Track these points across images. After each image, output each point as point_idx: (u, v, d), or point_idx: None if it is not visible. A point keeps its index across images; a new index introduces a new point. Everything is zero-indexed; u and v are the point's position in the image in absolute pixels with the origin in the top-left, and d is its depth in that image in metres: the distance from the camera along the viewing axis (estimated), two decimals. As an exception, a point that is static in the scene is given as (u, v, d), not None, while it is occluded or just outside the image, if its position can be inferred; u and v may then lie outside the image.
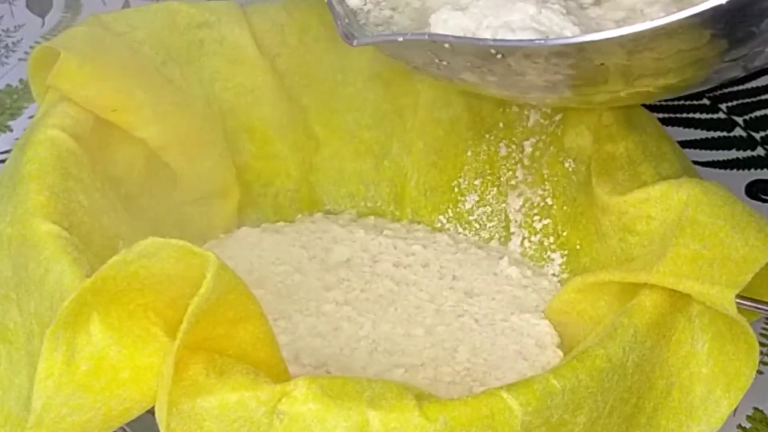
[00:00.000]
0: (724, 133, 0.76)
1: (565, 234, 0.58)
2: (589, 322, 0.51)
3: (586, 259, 0.56)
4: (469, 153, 0.61)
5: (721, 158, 0.74)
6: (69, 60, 0.51)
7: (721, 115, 0.77)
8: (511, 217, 0.60)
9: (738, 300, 0.43)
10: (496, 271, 0.58)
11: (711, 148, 0.74)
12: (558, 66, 0.45)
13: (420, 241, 0.60)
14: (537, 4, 0.47)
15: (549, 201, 0.58)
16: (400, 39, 0.48)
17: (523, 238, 0.60)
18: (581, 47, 0.43)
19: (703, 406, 0.45)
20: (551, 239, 0.59)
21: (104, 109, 0.53)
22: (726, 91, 0.79)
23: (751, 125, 0.76)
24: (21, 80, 0.80)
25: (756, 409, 0.57)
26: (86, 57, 0.52)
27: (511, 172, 0.60)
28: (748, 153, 0.74)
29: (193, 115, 0.57)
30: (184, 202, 0.60)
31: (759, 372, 0.55)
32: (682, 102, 0.78)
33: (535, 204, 0.59)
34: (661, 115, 0.71)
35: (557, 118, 0.58)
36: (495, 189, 0.61)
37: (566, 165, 0.57)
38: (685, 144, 0.71)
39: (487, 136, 0.60)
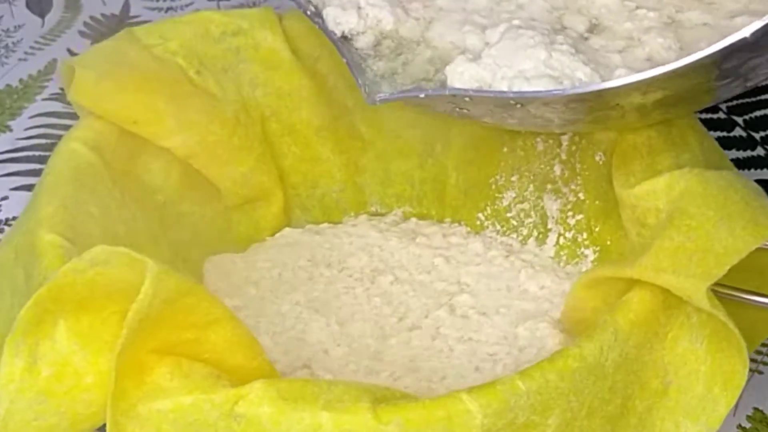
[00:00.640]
0: (724, 133, 0.74)
1: (597, 230, 0.56)
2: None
3: (615, 256, 0.54)
4: (504, 149, 0.60)
5: (721, 158, 0.71)
6: (85, 76, 0.53)
7: (721, 115, 0.76)
8: (548, 213, 0.58)
9: (717, 289, 0.41)
10: (513, 285, 0.56)
11: (711, 148, 0.72)
12: (575, 108, 0.46)
13: (447, 251, 0.59)
14: (547, 47, 0.47)
15: (581, 196, 0.57)
16: (422, 95, 0.49)
17: (559, 235, 0.58)
18: (599, 93, 0.44)
19: (701, 405, 0.43)
20: (584, 235, 0.57)
21: (126, 121, 0.54)
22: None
23: (751, 125, 0.75)
24: (21, 80, 0.82)
25: (756, 409, 0.55)
26: (103, 72, 0.54)
27: (548, 167, 0.58)
28: (748, 153, 0.72)
29: (223, 122, 0.58)
30: (229, 207, 0.62)
31: (759, 372, 0.55)
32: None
33: (570, 199, 0.57)
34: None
35: (591, 109, 0.56)
36: (532, 185, 0.59)
37: (597, 158, 0.55)
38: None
39: (523, 131, 0.59)
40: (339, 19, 0.54)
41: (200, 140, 0.57)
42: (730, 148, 0.72)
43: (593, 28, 0.50)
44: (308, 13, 0.55)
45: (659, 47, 0.48)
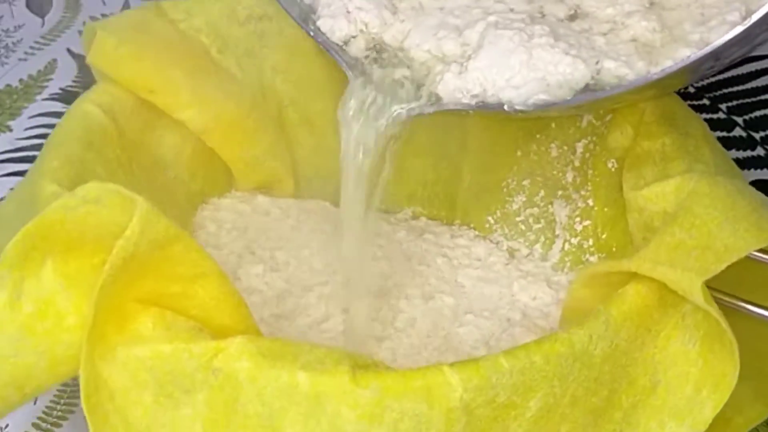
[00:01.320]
0: (724, 133, 0.75)
1: (604, 237, 0.55)
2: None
3: (619, 262, 0.53)
4: (518, 153, 0.59)
5: (721, 158, 0.71)
6: (105, 40, 0.53)
7: (721, 115, 0.76)
8: (557, 219, 0.58)
9: (718, 296, 0.41)
10: (506, 293, 0.56)
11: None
12: (571, 108, 0.48)
13: (451, 251, 0.59)
14: (526, 48, 0.47)
15: (590, 202, 0.56)
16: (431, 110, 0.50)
17: (565, 241, 0.57)
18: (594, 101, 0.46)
19: (688, 407, 0.42)
20: (590, 242, 0.56)
21: (142, 90, 0.54)
22: (726, 91, 0.78)
23: (751, 125, 0.75)
24: (21, 80, 0.82)
25: None
26: (124, 38, 0.54)
27: (561, 174, 0.58)
28: (748, 153, 0.73)
29: (240, 102, 0.58)
30: (241, 199, 0.61)
31: None
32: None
33: (579, 205, 0.56)
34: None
35: (608, 118, 0.55)
36: (543, 190, 0.59)
37: (609, 165, 0.54)
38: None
39: (538, 136, 0.58)
40: (333, 27, 0.53)
41: (215, 116, 0.57)
42: (730, 148, 0.72)
43: (574, 17, 0.49)
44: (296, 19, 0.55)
45: (643, 30, 0.48)
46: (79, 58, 0.84)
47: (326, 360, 0.39)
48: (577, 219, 0.57)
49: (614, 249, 0.54)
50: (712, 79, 0.79)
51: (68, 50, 0.86)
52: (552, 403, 0.39)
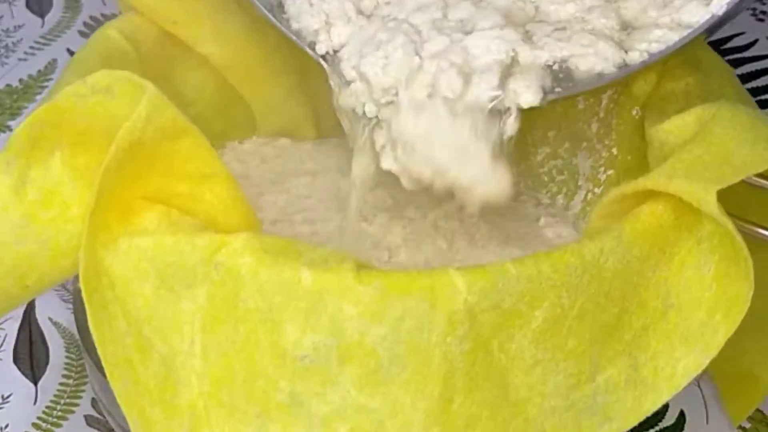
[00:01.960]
0: None
1: (626, 185, 0.54)
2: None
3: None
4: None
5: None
6: (130, -32, 0.53)
7: None
8: (580, 171, 0.57)
9: (740, 223, 0.40)
10: (532, 227, 0.56)
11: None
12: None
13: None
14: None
15: (614, 151, 0.55)
16: None
17: (588, 191, 0.56)
18: None
19: (700, 332, 0.41)
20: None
21: (165, 20, 0.54)
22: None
23: None
24: (21, 80, 0.81)
25: (756, 409, 0.55)
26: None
27: (586, 126, 0.57)
28: None
29: (262, 41, 0.57)
30: (263, 143, 0.61)
31: None
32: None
33: (602, 155, 0.55)
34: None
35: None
36: (568, 142, 0.58)
37: (633, 113, 0.53)
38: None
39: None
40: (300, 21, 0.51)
41: (237, 53, 0.57)
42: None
43: (533, 17, 0.49)
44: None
45: (602, 27, 0.47)
46: (79, 59, 0.84)
47: (330, 259, 0.38)
48: (601, 169, 0.56)
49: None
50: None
51: (68, 50, 0.85)
52: (559, 315, 0.39)
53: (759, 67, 0.79)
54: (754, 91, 0.77)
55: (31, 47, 0.85)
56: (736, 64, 0.79)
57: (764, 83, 0.78)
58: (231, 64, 0.57)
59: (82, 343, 0.49)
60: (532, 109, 0.48)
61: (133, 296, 0.39)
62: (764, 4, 0.87)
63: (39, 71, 0.83)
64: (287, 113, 0.60)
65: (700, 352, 0.41)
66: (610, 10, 0.48)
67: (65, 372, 0.58)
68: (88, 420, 0.55)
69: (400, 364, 0.37)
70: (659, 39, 0.46)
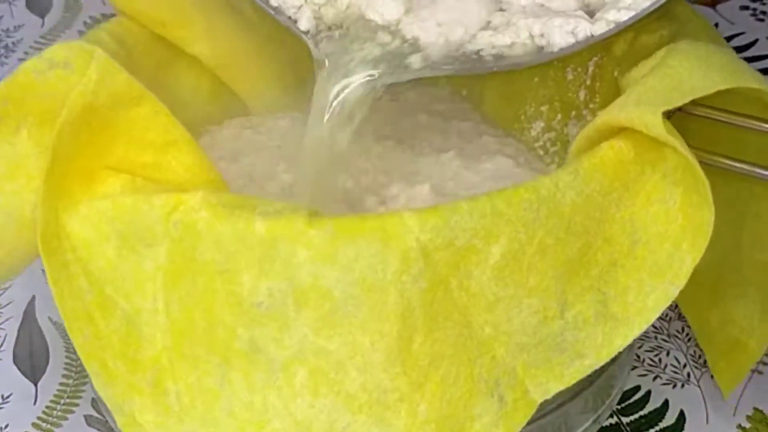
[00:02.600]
0: None
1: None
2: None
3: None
4: (536, 79, 0.58)
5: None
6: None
7: None
8: (569, 140, 0.57)
9: (702, 155, 0.40)
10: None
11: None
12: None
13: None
14: None
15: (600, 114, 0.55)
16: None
17: (575, 156, 0.56)
18: None
19: (668, 264, 0.40)
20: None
21: (155, 23, 0.55)
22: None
23: None
24: None
25: (756, 409, 0.54)
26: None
27: (574, 95, 0.57)
28: None
29: (253, 35, 0.58)
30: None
31: (759, 372, 0.55)
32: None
33: (587, 120, 0.55)
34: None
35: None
36: (560, 114, 0.58)
37: (615, 74, 0.53)
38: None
39: (555, 62, 0.58)
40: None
41: (230, 50, 0.57)
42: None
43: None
44: None
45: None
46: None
47: (284, 210, 0.38)
48: (587, 132, 0.55)
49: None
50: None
51: (68, 50, 0.87)
52: (517, 250, 0.38)
53: (759, 67, 0.77)
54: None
55: (31, 47, 0.86)
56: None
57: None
58: (223, 62, 0.58)
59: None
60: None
61: (95, 258, 0.39)
62: (764, 4, 0.86)
63: (39, 71, 0.84)
64: (283, 108, 0.61)
65: (669, 283, 0.40)
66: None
67: (65, 372, 0.58)
68: (88, 420, 0.56)
69: (356, 304, 0.37)
70: (629, 6, 0.46)
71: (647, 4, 0.44)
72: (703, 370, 0.56)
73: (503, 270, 0.38)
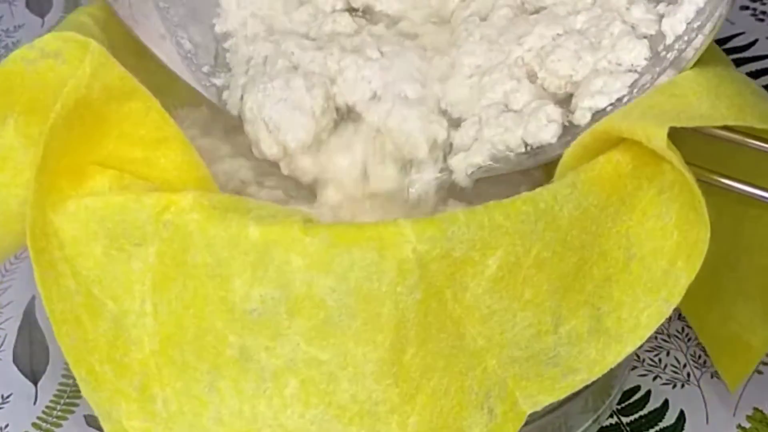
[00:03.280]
0: None
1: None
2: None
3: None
4: None
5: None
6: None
7: None
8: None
9: (702, 173, 0.40)
10: None
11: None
12: None
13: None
14: None
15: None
16: None
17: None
18: None
19: (663, 281, 0.40)
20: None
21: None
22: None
23: None
24: None
25: (756, 409, 0.54)
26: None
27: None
28: None
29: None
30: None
31: (759, 372, 0.55)
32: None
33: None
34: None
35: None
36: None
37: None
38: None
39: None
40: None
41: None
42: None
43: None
44: None
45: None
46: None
47: (278, 214, 0.38)
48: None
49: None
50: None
51: (68, 50, 0.86)
52: (513, 263, 0.38)
53: (759, 67, 0.79)
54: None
55: (31, 47, 0.86)
56: (736, 64, 0.78)
57: (764, 83, 0.77)
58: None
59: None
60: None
61: (82, 257, 0.38)
62: (764, 4, 0.86)
63: (39, 71, 0.83)
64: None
65: (663, 300, 0.40)
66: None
67: (65, 372, 0.58)
68: (88, 420, 0.55)
69: (350, 314, 0.36)
70: (602, 89, 0.45)
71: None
72: (703, 370, 0.56)
73: (499, 282, 0.38)
